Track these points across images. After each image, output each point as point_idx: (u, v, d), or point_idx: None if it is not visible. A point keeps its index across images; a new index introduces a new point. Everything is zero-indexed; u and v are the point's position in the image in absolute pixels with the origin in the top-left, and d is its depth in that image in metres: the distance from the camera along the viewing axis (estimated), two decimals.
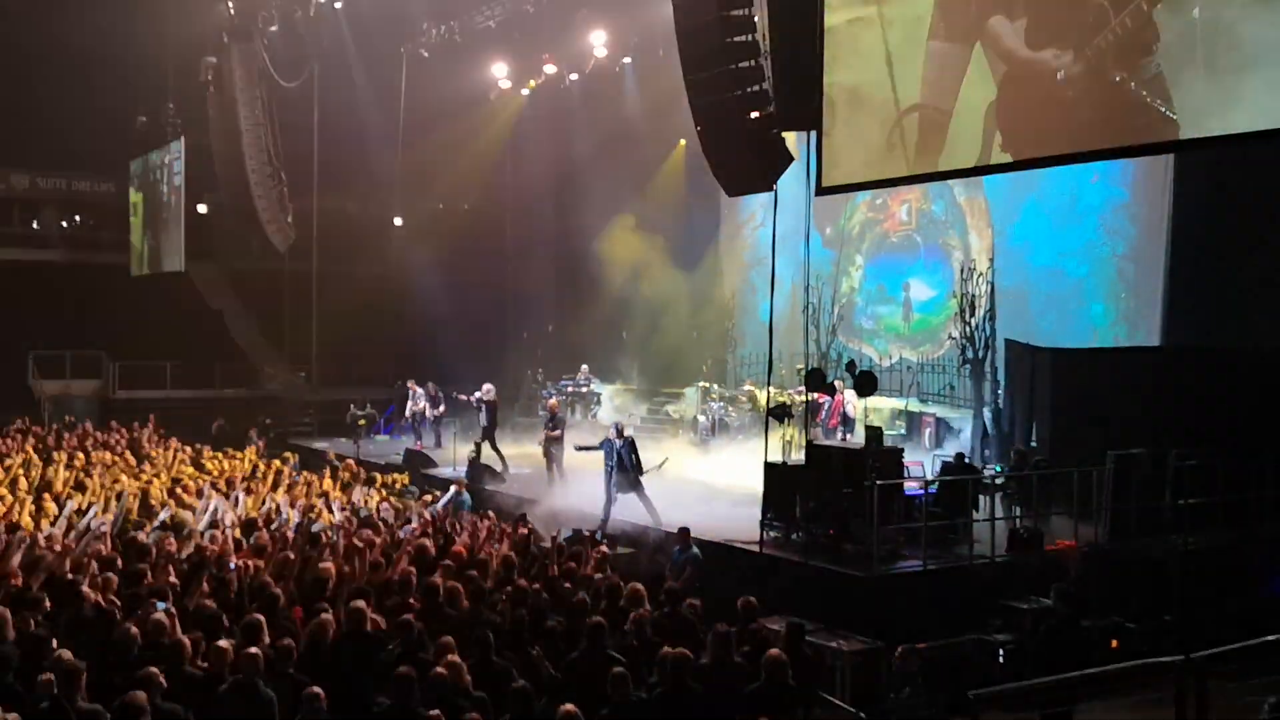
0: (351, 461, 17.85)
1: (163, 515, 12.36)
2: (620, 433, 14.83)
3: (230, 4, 25.36)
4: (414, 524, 12.52)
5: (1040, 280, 18.66)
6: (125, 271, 30.75)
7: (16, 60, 26.83)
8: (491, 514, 13.35)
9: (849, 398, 17.55)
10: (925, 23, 12.12)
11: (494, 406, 18.87)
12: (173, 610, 7.80)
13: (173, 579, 8.81)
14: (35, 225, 31.67)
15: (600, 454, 14.74)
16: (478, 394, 19.05)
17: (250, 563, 9.58)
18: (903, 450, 13.81)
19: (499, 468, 18.18)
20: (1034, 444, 15.18)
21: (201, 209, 30.01)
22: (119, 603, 8.16)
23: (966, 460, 14.12)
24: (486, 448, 18.51)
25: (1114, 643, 10.71)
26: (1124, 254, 17.68)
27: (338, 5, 24.01)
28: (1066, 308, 18.20)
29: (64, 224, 32.07)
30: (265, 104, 27.32)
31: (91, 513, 11.94)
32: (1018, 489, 13.60)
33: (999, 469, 14.77)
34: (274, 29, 25.35)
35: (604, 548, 11.68)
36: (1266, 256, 15.11)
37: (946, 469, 13.56)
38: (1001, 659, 10.27)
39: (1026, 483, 13.31)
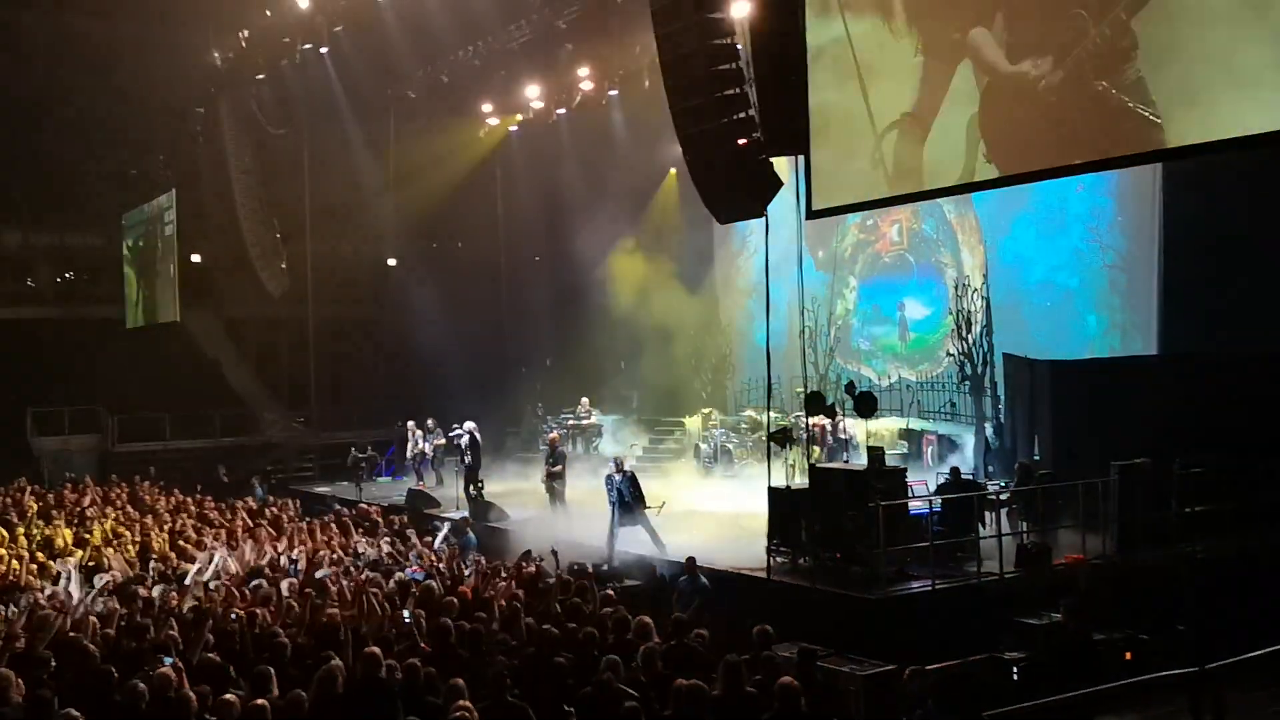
0: (365, 506, 17.78)
1: (164, 568, 12.32)
2: (620, 467, 14.83)
3: (217, 55, 25.52)
4: (413, 565, 12.45)
5: (1033, 294, 18.67)
6: (120, 324, 30.69)
7: (6, 115, 26.92)
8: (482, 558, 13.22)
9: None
10: (906, 40, 12.20)
11: (477, 445, 18.72)
12: (179, 664, 7.73)
13: (175, 632, 8.73)
14: (30, 282, 31.61)
15: (603, 488, 14.72)
16: (461, 433, 18.83)
17: (259, 611, 9.52)
18: (905, 470, 13.75)
19: (467, 510, 17.92)
20: (1037, 457, 15.13)
21: (195, 259, 30.01)
22: (123, 658, 8.08)
23: (965, 475, 14.06)
24: (488, 485, 18.39)
25: (1128, 655, 10.63)
26: (1114, 264, 17.69)
27: (323, 51, 24.16)
28: (1060, 320, 18.18)
29: (57, 279, 32.04)
30: (255, 151, 27.47)
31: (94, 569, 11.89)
32: (1023, 504, 13.54)
33: (1003, 484, 14.71)
34: (260, 77, 25.50)
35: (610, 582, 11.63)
36: (1259, 260, 15.11)
37: (944, 487, 13.50)
38: (1015, 677, 10.17)
39: (1032, 497, 13.27)
